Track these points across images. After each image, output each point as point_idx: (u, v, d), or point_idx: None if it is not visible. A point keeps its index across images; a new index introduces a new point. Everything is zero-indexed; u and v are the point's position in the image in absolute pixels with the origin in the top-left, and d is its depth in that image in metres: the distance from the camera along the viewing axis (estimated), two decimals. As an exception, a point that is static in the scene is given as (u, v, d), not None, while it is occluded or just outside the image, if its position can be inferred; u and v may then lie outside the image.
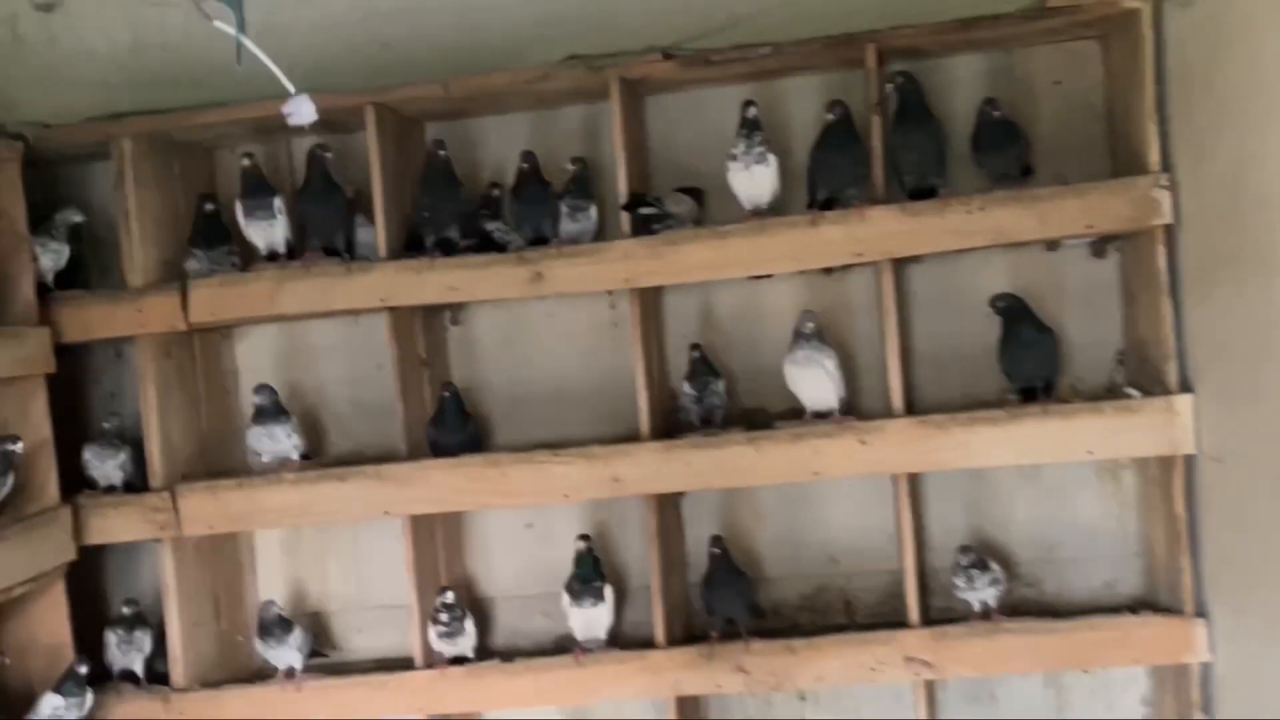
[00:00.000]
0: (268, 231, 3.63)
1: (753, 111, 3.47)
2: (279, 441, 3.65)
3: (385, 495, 3.57)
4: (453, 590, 3.62)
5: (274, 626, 3.65)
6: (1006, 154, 3.45)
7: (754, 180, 3.48)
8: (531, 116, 3.93)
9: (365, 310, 3.67)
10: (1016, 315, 3.49)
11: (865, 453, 3.43)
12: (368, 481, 3.58)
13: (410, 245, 3.64)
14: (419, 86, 3.55)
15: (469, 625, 3.64)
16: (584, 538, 3.59)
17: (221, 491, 3.63)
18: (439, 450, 3.64)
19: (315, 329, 4.04)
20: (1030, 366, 3.48)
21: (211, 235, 3.71)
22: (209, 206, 3.71)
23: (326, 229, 3.63)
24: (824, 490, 3.85)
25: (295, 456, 3.68)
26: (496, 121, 3.94)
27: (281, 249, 3.67)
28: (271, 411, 3.64)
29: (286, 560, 4.11)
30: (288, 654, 3.65)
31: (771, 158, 3.47)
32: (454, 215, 3.60)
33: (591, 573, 3.58)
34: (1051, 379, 3.50)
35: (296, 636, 3.65)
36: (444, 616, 3.60)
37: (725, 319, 3.92)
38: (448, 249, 3.60)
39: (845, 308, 3.85)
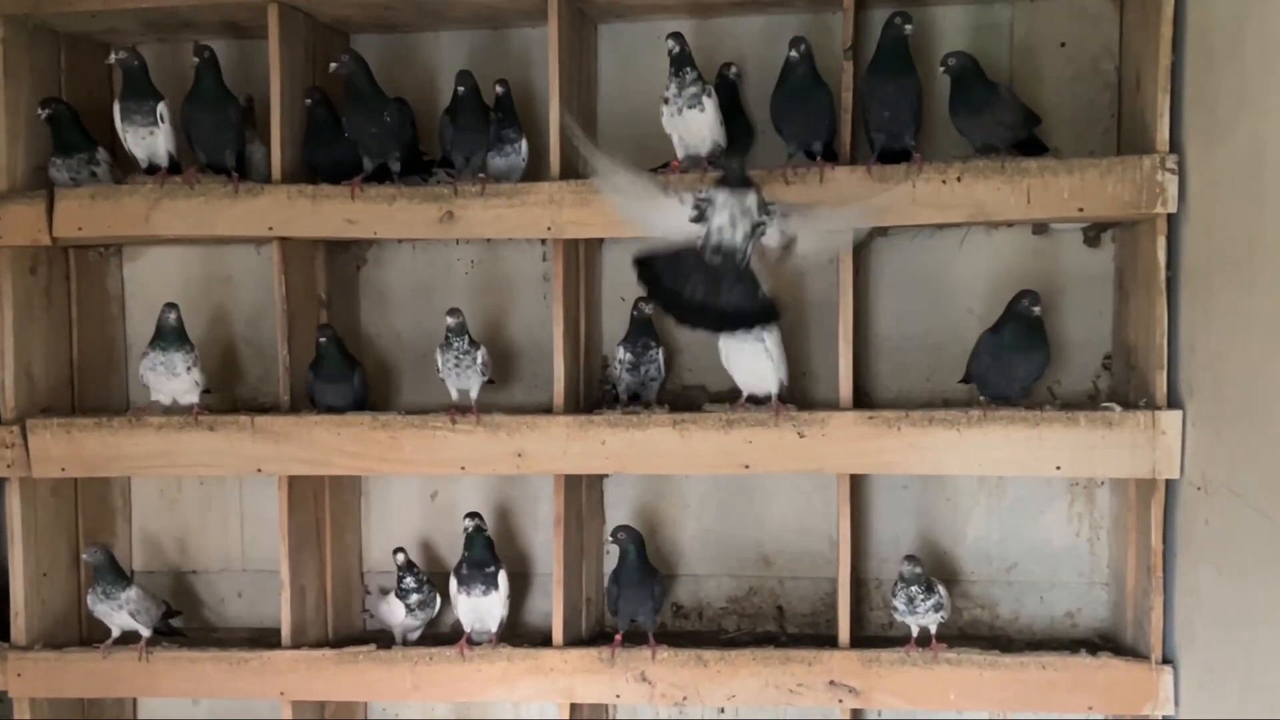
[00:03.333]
0: (148, 141, 3.18)
1: (675, 46, 3.03)
2: (176, 373, 3.19)
3: (259, 450, 3.17)
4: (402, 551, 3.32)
5: (102, 578, 3.21)
6: (983, 119, 2.99)
7: (688, 125, 3.05)
8: (475, 36, 3.50)
9: (267, 239, 3.24)
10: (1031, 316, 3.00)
11: (803, 448, 3.01)
12: (240, 434, 3.17)
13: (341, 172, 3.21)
14: (330, -18, 3.10)
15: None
16: (473, 516, 3.18)
17: (77, 431, 3.21)
18: (317, 400, 3.25)
19: (220, 255, 3.62)
20: (1018, 374, 3.03)
21: (67, 141, 3.25)
22: (51, 109, 3.23)
23: (213, 143, 3.19)
24: (762, 483, 3.46)
25: (194, 396, 3.23)
26: (433, 39, 3.50)
27: (164, 162, 3.22)
28: (172, 336, 3.19)
29: (165, 511, 3.71)
30: (118, 615, 3.22)
31: (708, 100, 3.04)
32: (380, 139, 3.15)
33: (483, 556, 3.17)
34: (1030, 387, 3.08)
35: (133, 597, 3.22)
36: (410, 581, 3.26)
37: (671, 283, 3.48)
38: (382, 178, 3.19)
39: (808, 279, 3.41)
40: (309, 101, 3.19)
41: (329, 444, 3.14)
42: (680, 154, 3.10)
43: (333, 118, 3.22)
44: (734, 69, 3.27)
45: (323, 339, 3.20)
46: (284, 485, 3.21)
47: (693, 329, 2.97)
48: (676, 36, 3.04)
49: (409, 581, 3.27)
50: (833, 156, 3.10)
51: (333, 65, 3.12)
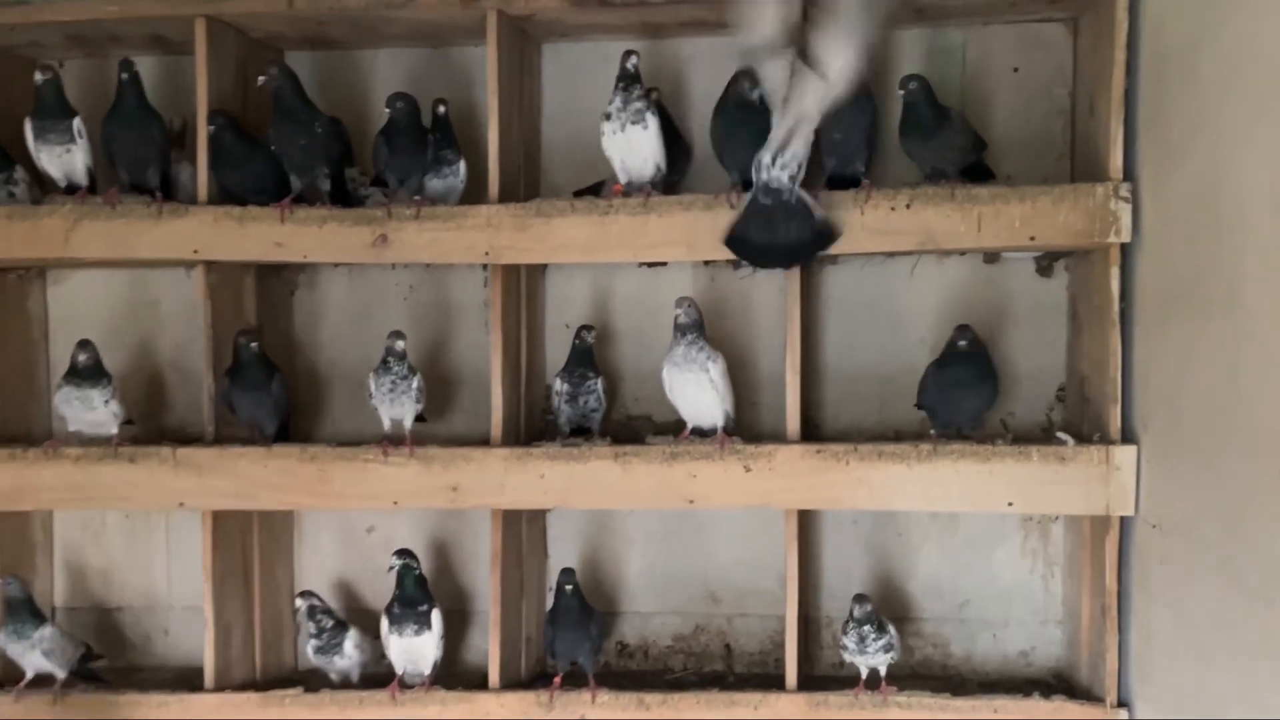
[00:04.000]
0: (64, 159, 3.04)
1: (634, 62, 2.94)
2: (92, 406, 3.06)
3: (182, 484, 3.03)
4: (314, 595, 3.16)
5: (15, 617, 3.06)
6: (935, 144, 2.91)
7: (630, 145, 2.95)
8: (414, 54, 3.39)
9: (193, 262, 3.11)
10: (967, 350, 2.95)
11: (749, 482, 2.91)
12: (162, 466, 3.03)
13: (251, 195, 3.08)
14: (259, -1, 2.98)
15: (352, 640, 3.14)
16: (402, 554, 3.04)
17: (-12, 462, 3.06)
18: (235, 410, 3.09)
19: (147, 279, 3.48)
20: (963, 407, 2.97)
21: (-22, 159, 3.12)
22: None
23: (136, 162, 3.06)
24: (710, 517, 3.35)
25: (113, 427, 3.09)
26: (370, 56, 3.39)
27: (83, 181, 3.08)
28: (86, 372, 3.06)
29: (88, 545, 3.55)
30: (31, 655, 3.06)
31: (651, 119, 2.94)
32: (308, 154, 3.03)
33: (415, 595, 3.04)
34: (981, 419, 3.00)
35: (47, 636, 3.06)
36: (313, 627, 3.12)
37: (614, 310, 3.40)
38: (313, 199, 3.07)
39: (748, 308, 3.34)
40: (212, 128, 3.03)
41: (255, 477, 3.00)
42: (622, 179, 3.00)
43: (242, 141, 3.07)
44: (655, 93, 3.16)
45: (243, 339, 3.04)
46: (208, 520, 3.08)
47: (768, 269, 3.05)
48: (632, 53, 2.95)
49: (313, 626, 3.13)
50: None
51: (260, 79, 3.00)
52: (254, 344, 3.04)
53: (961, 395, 2.94)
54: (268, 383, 3.06)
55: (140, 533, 3.52)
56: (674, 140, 3.14)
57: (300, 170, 3.04)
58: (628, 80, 2.93)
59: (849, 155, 2.93)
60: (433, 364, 3.39)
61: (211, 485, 3.02)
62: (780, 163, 2.72)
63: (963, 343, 2.91)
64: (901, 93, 2.88)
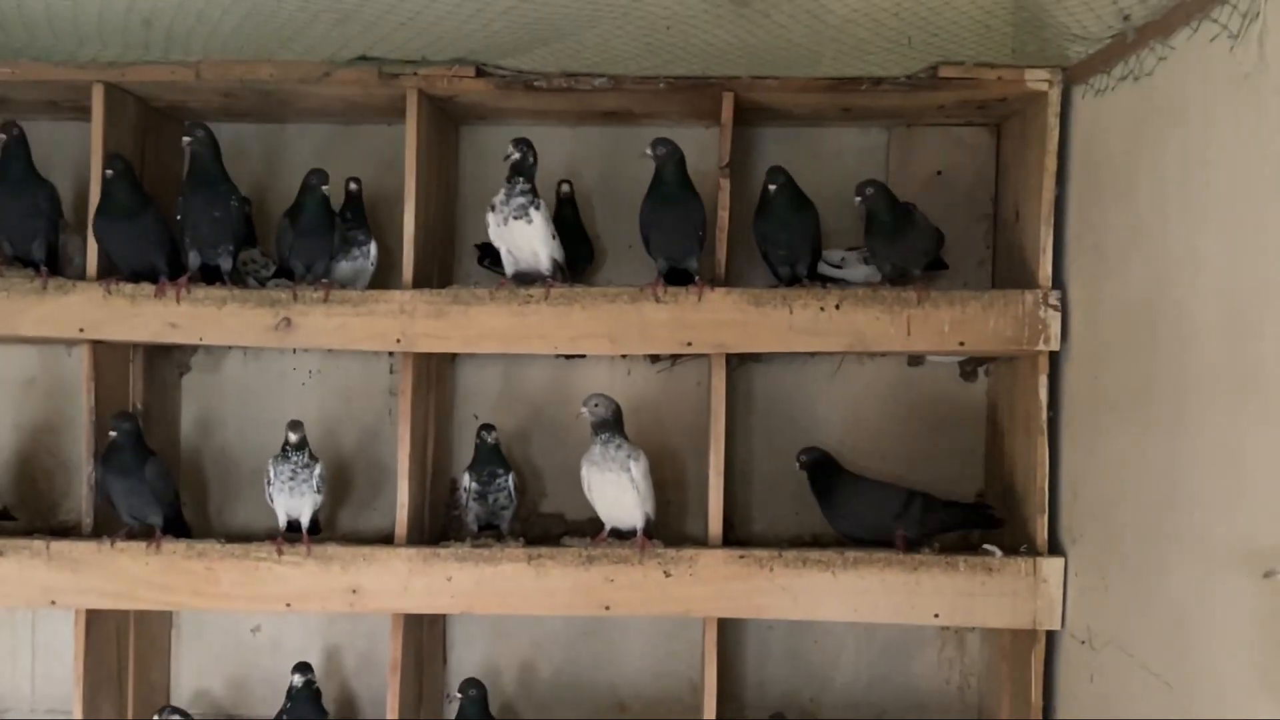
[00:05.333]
0: (-64, 227, 2.82)
1: (517, 153, 2.83)
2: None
3: (54, 580, 2.80)
4: (177, 711, 2.88)
5: None
6: (899, 244, 2.85)
7: (514, 239, 2.85)
8: (325, 131, 3.27)
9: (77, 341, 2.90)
10: (825, 469, 2.92)
11: (669, 588, 2.78)
12: (34, 560, 2.79)
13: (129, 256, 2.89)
14: (163, 66, 2.81)
15: None
16: (301, 669, 2.83)
17: None
18: (112, 499, 2.85)
19: (26, 355, 3.26)
20: (847, 524, 2.92)
21: None
22: None
23: (20, 232, 2.85)
24: (620, 620, 3.19)
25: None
26: (277, 131, 3.24)
27: (-39, 251, 2.86)
28: None
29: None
30: None
31: (536, 213, 2.84)
32: (217, 234, 2.85)
33: (309, 710, 2.82)
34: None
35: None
36: None
37: (527, 402, 3.27)
38: (212, 276, 2.89)
39: (673, 405, 3.25)
40: (109, 172, 2.81)
41: (135, 574, 2.78)
42: (509, 269, 2.90)
43: (136, 196, 2.85)
44: (565, 186, 3.09)
45: (118, 430, 2.79)
46: (81, 619, 2.85)
47: None
48: (521, 143, 2.84)
49: None
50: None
51: (185, 139, 2.83)
52: (125, 425, 2.80)
53: (846, 519, 2.91)
54: (140, 468, 2.80)
55: (3, 629, 3.25)
56: (577, 236, 3.07)
57: (205, 245, 2.86)
58: (512, 172, 2.83)
59: (794, 261, 2.89)
60: (333, 454, 3.21)
61: (87, 583, 2.79)
62: None
63: (796, 462, 2.92)
64: (859, 199, 2.82)
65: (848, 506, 2.88)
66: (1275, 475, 1.84)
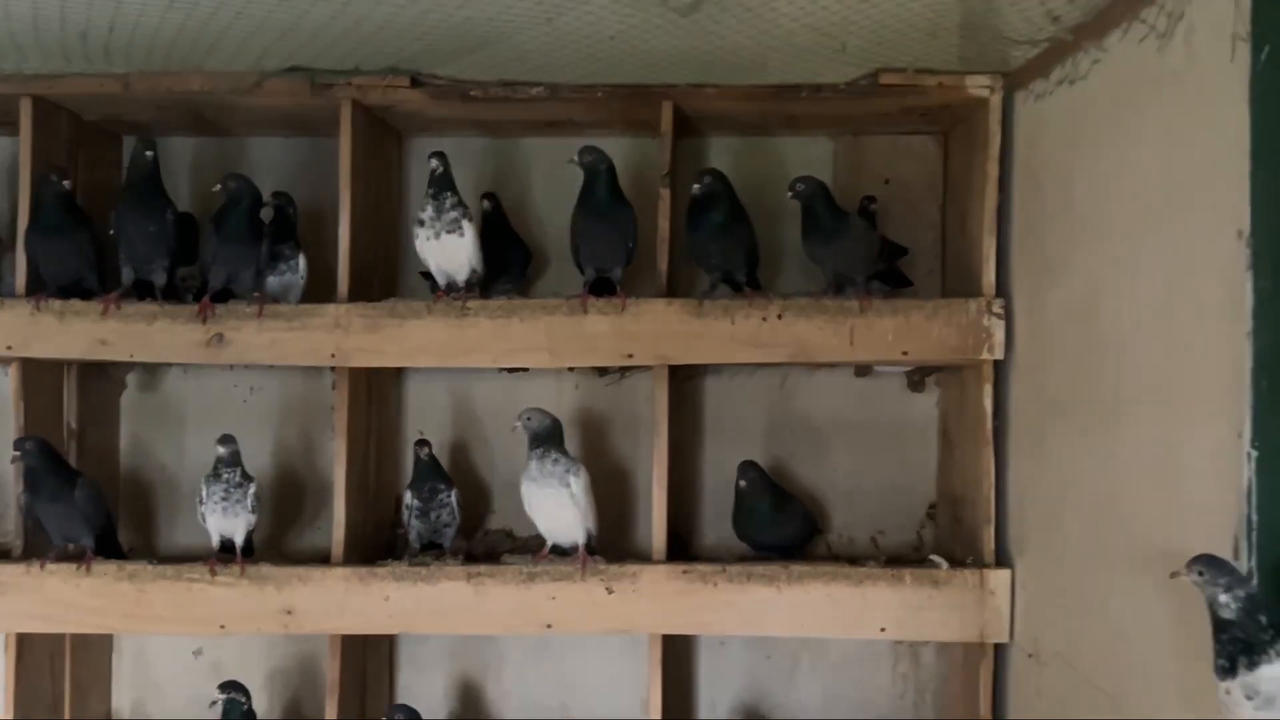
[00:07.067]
0: None
1: (439, 165, 2.81)
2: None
3: (-19, 604, 2.72)
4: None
5: None
6: (834, 249, 2.80)
7: (445, 251, 2.81)
8: (265, 144, 3.21)
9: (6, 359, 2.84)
10: (755, 483, 2.89)
11: (612, 605, 2.73)
12: (-41, 584, 2.71)
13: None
14: (91, 79, 2.76)
15: None
16: (229, 686, 2.77)
17: None
18: (45, 529, 2.78)
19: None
20: (763, 534, 2.91)
21: None
22: None
23: (-54, 250, 2.80)
24: (570, 638, 3.12)
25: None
26: (214, 144, 3.19)
27: (-115, 270, 2.80)
28: None
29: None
30: None
31: (467, 225, 2.81)
32: (152, 249, 2.80)
33: (241, 732, 2.76)
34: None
35: None
36: None
37: (475, 418, 3.23)
38: (145, 292, 2.85)
39: (621, 419, 3.20)
40: (67, 184, 2.76)
41: (65, 598, 2.72)
42: (441, 281, 2.86)
43: (70, 210, 2.81)
44: (487, 202, 3.06)
45: (29, 446, 2.70)
46: (12, 644, 2.79)
47: None
48: (440, 156, 2.81)
49: None
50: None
51: (143, 151, 2.79)
52: (28, 446, 2.71)
53: (762, 533, 2.89)
54: (69, 492, 2.72)
55: (-63, 656, 3.17)
56: (511, 244, 3.04)
57: (139, 260, 2.81)
58: (438, 185, 2.80)
59: (731, 270, 2.84)
60: (273, 472, 3.16)
61: (16, 606, 2.73)
62: None
63: (741, 482, 2.86)
64: (790, 194, 2.78)
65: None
66: (1205, 482, 1.80)
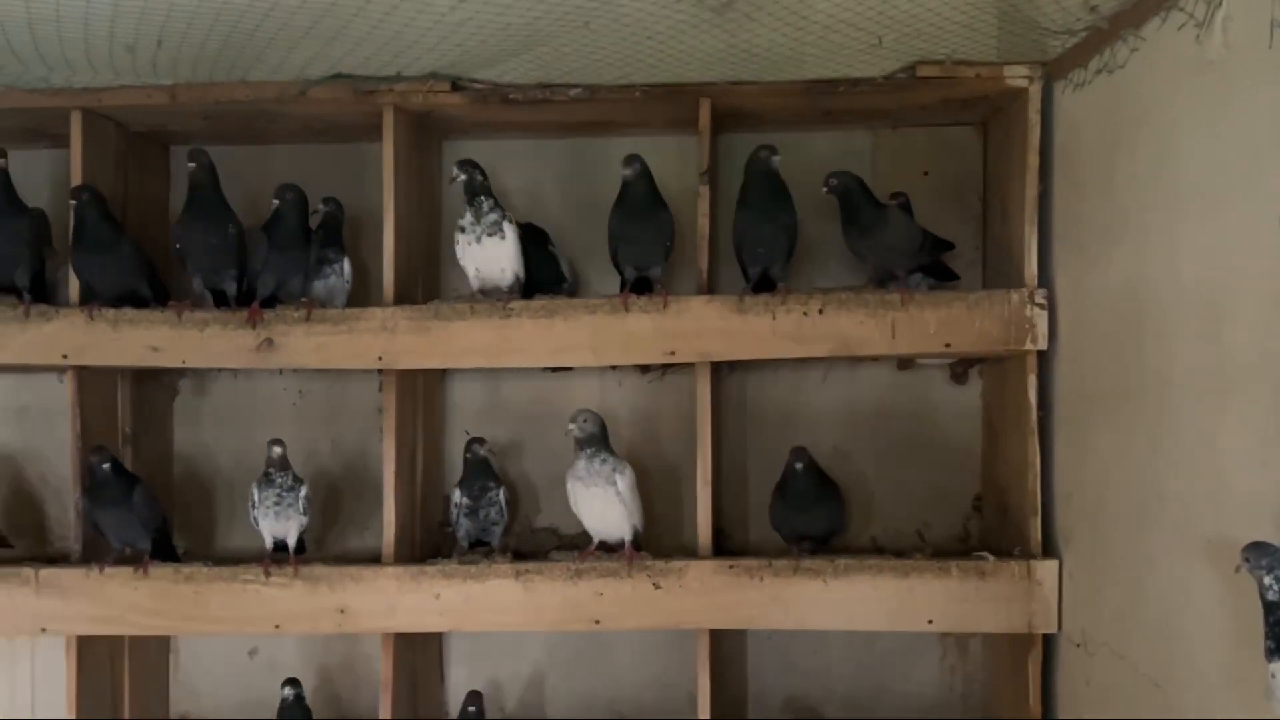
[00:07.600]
0: (-85, 254, 2.83)
1: (462, 175, 2.84)
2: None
3: (45, 607, 2.81)
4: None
5: None
6: (872, 241, 2.80)
7: (487, 255, 2.84)
8: (308, 151, 3.25)
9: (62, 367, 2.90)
10: (809, 467, 2.88)
11: (658, 601, 2.76)
12: (23, 588, 2.80)
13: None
14: (139, 90, 2.81)
15: None
16: (291, 683, 2.83)
17: None
18: (101, 530, 2.84)
19: (19, 384, 3.25)
20: (804, 521, 2.90)
21: None
22: None
23: (3, 259, 2.84)
24: (617, 634, 3.15)
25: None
26: (261, 153, 3.23)
27: (-57, 277, 2.86)
28: None
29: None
30: None
31: (508, 228, 2.84)
32: (216, 260, 2.87)
33: (298, 726, 2.81)
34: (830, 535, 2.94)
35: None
36: None
37: (518, 416, 3.25)
38: (220, 301, 2.91)
39: (664, 416, 3.22)
40: (74, 202, 2.81)
41: (124, 600, 2.78)
42: (475, 287, 2.89)
43: (105, 225, 2.84)
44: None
45: (99, 463, 2.77)
46: (73, 646, 2.85)
47: None
48: (465, 165, 2.83)
49: None
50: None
51: (190, 164, 2.84)
52: (105, 464, 2.78)
53: (802, 517, 2.88)
54: (127, 498, 2.79)
55: (3, 659, 3.24)
56: (548, 264, 3.04)
57: (206, 271, 2.87)
58: (473, 192, 2.83)
59: (771, 263, 2.84)
60: (323, 474, 3.20)
61: (77, 609, 2.79)
62: None
63: (796, 464, 2.85)
64: (824, 189, 2.79)
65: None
66: (1250, 470, 1.80)
